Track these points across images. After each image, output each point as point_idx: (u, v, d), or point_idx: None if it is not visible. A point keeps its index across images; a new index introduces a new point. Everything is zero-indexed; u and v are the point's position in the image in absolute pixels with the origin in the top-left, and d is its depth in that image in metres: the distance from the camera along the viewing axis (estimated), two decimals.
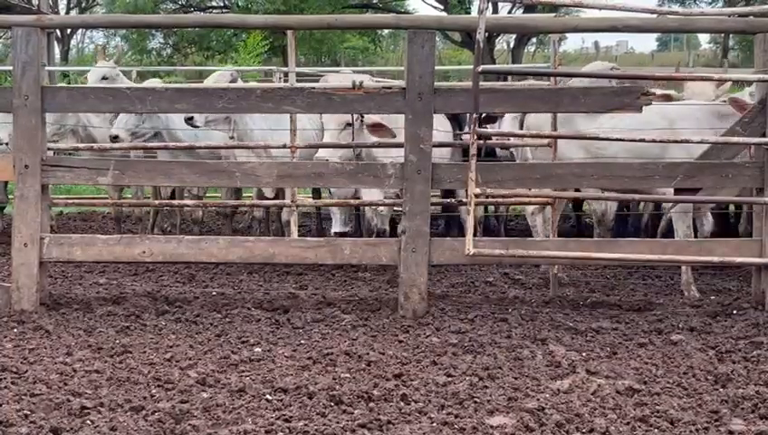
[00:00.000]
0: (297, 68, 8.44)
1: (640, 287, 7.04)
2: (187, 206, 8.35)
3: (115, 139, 8.00)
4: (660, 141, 6.29)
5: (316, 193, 9.69)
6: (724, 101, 6.94)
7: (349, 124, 7.41)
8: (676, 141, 6.35)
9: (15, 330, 5.36)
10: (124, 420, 3.77)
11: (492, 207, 9.68)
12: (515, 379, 4.42)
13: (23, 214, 5.91)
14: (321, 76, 10.05)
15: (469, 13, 22.35)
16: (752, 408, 4.00)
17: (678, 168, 6.04)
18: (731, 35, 23.39)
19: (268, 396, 4.13)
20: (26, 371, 4.52)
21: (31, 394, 4.13)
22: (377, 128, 7.20)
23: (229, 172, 6.08)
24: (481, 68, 5.61)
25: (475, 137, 5.64)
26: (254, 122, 7.99)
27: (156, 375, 4.43)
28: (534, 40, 30.31)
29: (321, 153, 7.16)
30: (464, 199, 6.91)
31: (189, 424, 3.73)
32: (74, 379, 4.38)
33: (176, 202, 8.47)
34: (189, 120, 7.49)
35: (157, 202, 8.61)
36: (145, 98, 6.10)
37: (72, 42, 30.67)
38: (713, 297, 6.57)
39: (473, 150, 5.62)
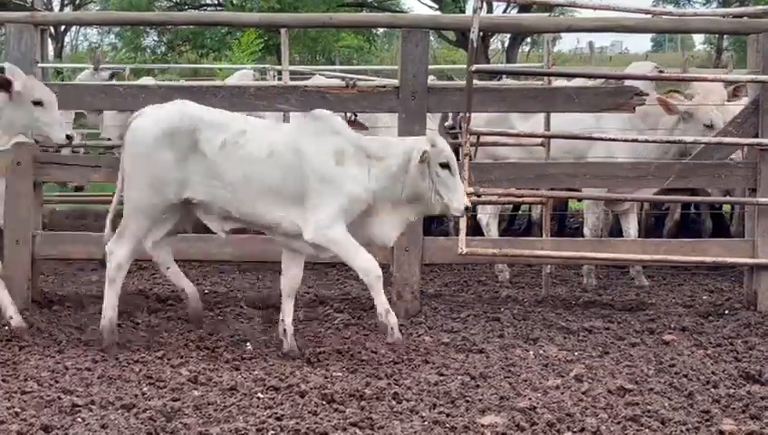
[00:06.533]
0: (291, 66, 8.42)
1: (633, 287, 7.04)
2: None
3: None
4: (653, 141, 6.31)
5: None
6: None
7: None
8: (669, 141, 6.36)
9: (7, 327, 5.34)
10: (115, 418, 3.77)
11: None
12: (507, 378, 4.42)
13: (15, 211, 5.89)
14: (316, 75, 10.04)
15: (463, 12, 22.29)
16: (742, 408, 4.01)
17: (671, 168, 6.05)
18: (725, 36, 23.41)
19: (260, 394, 4.13)
20: (17, 368, 4.51)
21: (22, 392, 4.12)
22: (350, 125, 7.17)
23: None
24: (474, 67, 5.61)
25: (468, 136, 5.64)
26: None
27: (147, 373, 4.42)
28: (529, 40, 30.30)
29: None
30: None
31: (181, 422, 3.73)
32: (65, 377, 4.38)
33: None
34: None
35: None
36: (138, 96, 6.09)
37: (66, 39, 30.58)
38: (705, 297, 6.58)
39: (466, 150, 5.62)
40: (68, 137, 5.23)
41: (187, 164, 4.78)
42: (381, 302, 4.70)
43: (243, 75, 8.72)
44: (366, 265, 4.69)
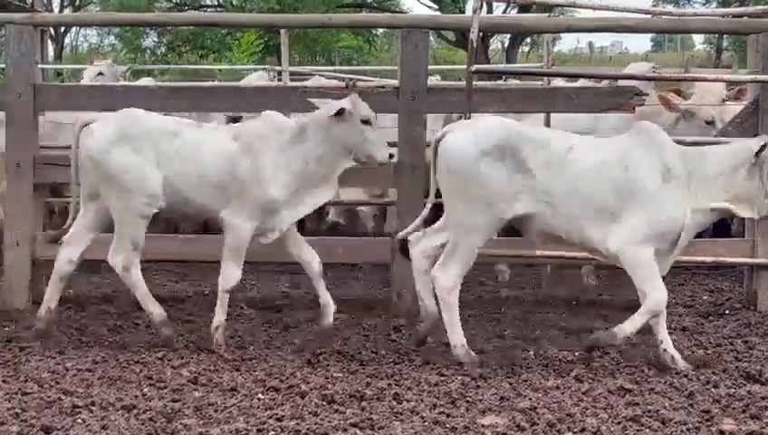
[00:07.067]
0: (291, 67, 8.42)
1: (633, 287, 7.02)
2: None
3: None
4: None
5: None
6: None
7: None
8: None
9: (7, 328, 5.35)
10: (116, 419, 3.77)
11: None
12: (507, 378, 4.42)
13: (15, 212, 5.89)
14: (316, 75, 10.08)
15: (463, 12, 22.30)
16: (743, 408, 4.01)
17: None
18: (725, 36, 23.43)
19: (260, 395, 4.13)
20: (18, 369, 4.51)
21: (22, 393, 4.13)
22: None
23: None
24: (474, 67, 5.61)
25: None
26: None
27: (148, 374, 4.42)
28: (529, 40, 30.30)
29: None
30: None
31: (181, 423, 3.73)
32: (66, 377, 4.38)
33: None
34: None
35: None
36: (138, 96, 6.09)
37: (66, 40, 30.58)
38: (705, 297, 6.58)
39: None
40: (390, 155, 4.98)
41: (515, 178, 4.57)
42: (635, 324, 4.64)
43: (259, 77, 8.85)
44: (657, 295, 4.61)
